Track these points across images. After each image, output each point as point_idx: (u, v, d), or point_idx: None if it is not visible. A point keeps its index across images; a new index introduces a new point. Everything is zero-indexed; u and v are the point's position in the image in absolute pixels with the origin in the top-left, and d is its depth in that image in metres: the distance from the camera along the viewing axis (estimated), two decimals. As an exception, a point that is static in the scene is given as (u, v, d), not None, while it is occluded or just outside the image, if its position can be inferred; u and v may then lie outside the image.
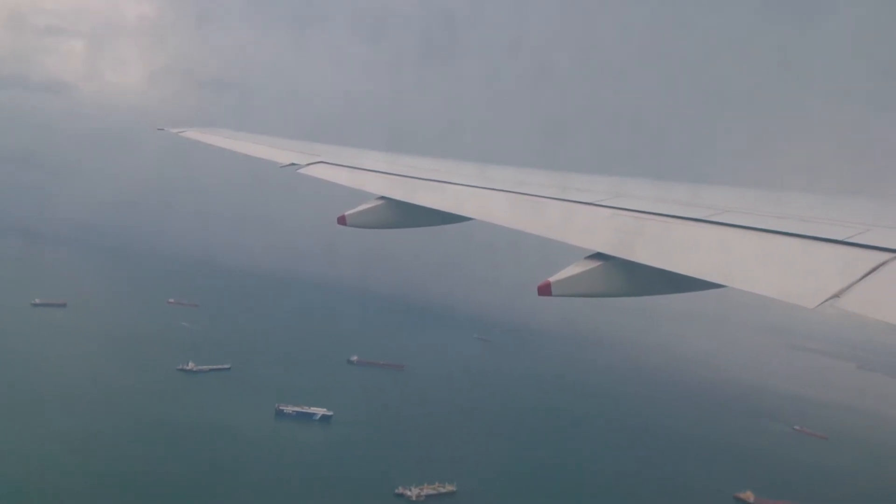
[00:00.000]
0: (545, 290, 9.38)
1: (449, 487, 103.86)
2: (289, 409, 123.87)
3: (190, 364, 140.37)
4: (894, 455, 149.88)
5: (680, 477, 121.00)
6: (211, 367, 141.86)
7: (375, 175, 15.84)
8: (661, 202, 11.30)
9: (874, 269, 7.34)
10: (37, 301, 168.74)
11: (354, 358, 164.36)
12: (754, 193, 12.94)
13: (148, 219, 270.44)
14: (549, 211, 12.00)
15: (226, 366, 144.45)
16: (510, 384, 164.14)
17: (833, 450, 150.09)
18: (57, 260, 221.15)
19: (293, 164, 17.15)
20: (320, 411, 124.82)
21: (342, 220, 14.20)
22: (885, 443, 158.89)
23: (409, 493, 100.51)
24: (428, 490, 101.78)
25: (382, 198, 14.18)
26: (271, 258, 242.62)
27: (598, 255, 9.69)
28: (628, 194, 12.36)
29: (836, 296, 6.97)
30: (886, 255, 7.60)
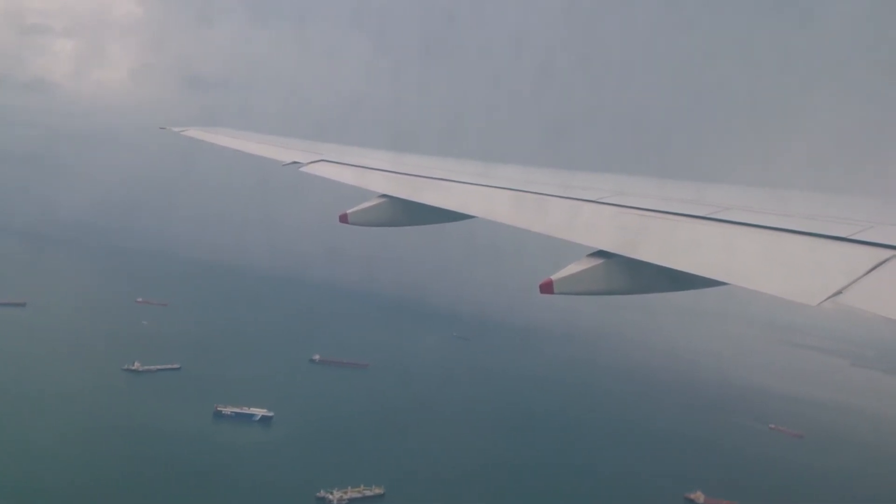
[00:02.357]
0: (547, 287, 9.38)
1: (377, 490, 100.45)
2: (227, 410, 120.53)
3: (136, 364, 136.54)
4: (866, 453, 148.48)
5: (636, 476, 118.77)
6: (159, 366, 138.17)
7: (377, 173, 15.86)
8: (665, 200, 11.29)
9: (877, 266, 7.36)
10: None
11: (316, 357, 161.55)
12: (757, 191, 12.93)
13: (142, 218, 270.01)
14: (552, 209, 12.00)
15: (175, 365, 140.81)
16: (476, 382, 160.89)
17: (805, 448, 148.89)
18: (31, 259, 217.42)
19: (295, 163, 17.17)
20: (260, 412, 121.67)
21: (344, 219, 14.21)
22: (861, 441, 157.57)
23: (330, 496, 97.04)
24: (352, 493, 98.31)
25: (384, 196, 14.18)
26: (267, 257, 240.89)
27: (601, 253, 9.69)
28: (631, 192, 12.35)
29: (839, 293, 6.98)
30: (889, 252, 7.61)
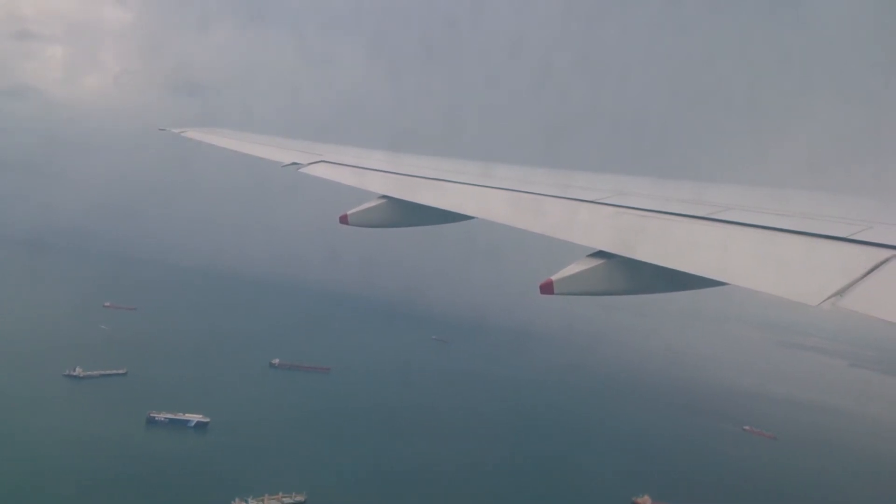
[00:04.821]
0: (547, 288, 9.39)
1: (297, 497, 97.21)
2: (161, 416, 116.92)
3: (77, 369, 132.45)
4: (838, 454, 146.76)
5: (590, 478, 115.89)
6: (103, 372, 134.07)
7: (377, 174, 15.88)
8: (664, 200, 11.31)
9: (876, 267, 7.36)
10: None
11: (276, 361, 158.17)
12: (756, 191, 12.93)
13: (137, 222, 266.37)
14: (552, 209, 12.01)
15: (121, 370, 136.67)
16: (440, 386, 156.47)
17: (774, 450, 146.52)
18: (8, 265, 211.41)
19: (295, 164, 17.18)
20: (196, 418, 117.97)
21: (344, 220, 14.24)
22: (837, 442, 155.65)
23: None
24: (270, 501, 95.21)
25: (384, 197, 14.20)
26: (263, 260, 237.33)
27: (601, 254, 9.70)
28: (630, 192, 12.36)
29: (839, 293, 6.98)
30: (888, 253, 7.61)
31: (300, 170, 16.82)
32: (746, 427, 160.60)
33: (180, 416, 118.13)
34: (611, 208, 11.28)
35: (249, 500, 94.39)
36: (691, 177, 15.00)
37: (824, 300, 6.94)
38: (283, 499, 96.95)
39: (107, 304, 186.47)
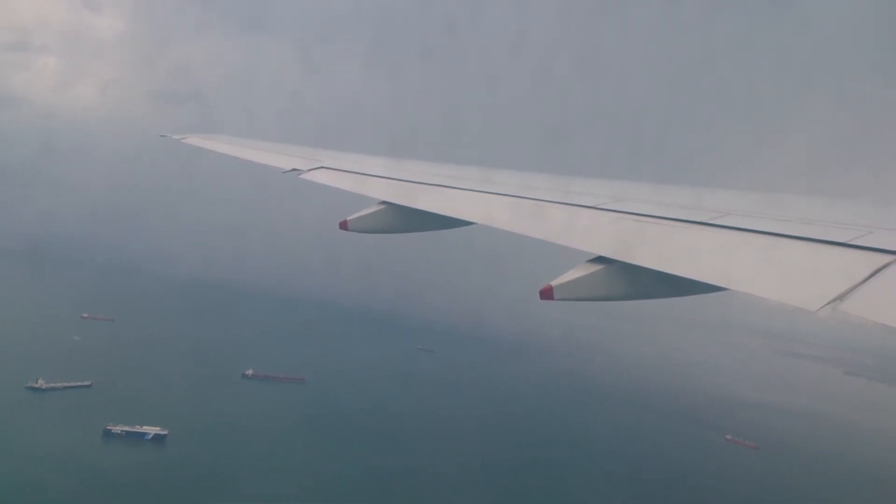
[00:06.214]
0: (547, 293, 9.40)
1: None
2: (117, 429, 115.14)
3: (39, 381, 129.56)
4: (819, 464, 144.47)
5: (551, 493, 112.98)
6: (66, 384, 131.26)
7: (377, 180, 15.92)
8: (663, 206, 11.33)
9: (877, 272, 7.35)
10: None
11: (249, 371, 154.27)
12: (756, 196, 12.95)
13: (137, 231, 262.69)
14: (551, 215, 12.02)
15: (86, 383, 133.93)
16: (416, 396, 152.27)
17: (755, 459, 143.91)
18: None
19: (295, 170, 17.21)
20: (153, 430, 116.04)
21: (344, 225, 14.25)
22: (820, 451, 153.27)
23: None
24: None
25: (384, 202, 14.22)
26: (262, 269, 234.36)
27: (600, 259, 9.71)
28: (630, 198, 12.37)
29: (839, 299, 6.97)
30: (889, 258, 7.61)
31: (300, 176, 16.85)
32: (728, 436, 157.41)
33: (137, 429, 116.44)
34: (610, 214, 11.30)
35: None
36: (690, 182, 15.05)
37: (824, 305, 6.93)
38: None
39: (84, 314, 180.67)
